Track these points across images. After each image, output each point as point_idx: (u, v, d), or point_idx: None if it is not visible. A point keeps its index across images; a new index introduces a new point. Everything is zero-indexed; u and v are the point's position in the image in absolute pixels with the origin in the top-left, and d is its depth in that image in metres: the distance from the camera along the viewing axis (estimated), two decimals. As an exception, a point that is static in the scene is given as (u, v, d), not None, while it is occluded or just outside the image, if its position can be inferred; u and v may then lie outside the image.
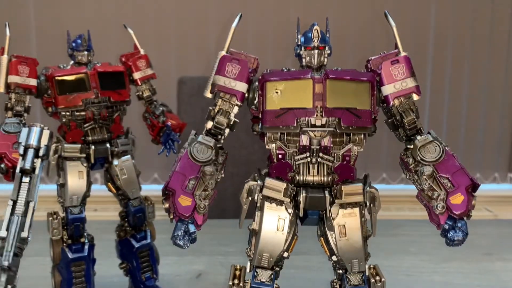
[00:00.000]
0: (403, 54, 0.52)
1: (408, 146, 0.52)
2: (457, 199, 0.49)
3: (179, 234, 0.48)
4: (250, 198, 0.53)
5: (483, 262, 1.00)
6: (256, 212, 0.53)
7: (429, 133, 0.52)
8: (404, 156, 0.52)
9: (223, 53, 0.52)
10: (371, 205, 0.52)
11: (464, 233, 0.49)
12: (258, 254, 0.52)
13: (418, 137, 0.52)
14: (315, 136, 0.51)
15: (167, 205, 0.49)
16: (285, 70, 0.53)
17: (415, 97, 0.52)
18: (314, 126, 0.51)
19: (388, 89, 0.52)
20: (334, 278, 0.55)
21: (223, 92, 0.51)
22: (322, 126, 0.51)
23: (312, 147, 0.51)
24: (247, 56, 0.53)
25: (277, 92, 0.51)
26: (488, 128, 2.08)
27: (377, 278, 0.53)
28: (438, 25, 1.88)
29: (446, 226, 0.49)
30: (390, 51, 0.53)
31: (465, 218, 0.49)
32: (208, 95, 0.52)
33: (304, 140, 0.52)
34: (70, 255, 0.75)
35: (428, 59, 1.97)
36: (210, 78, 0.52)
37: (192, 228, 0.48)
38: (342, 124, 0.50)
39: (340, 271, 0.53)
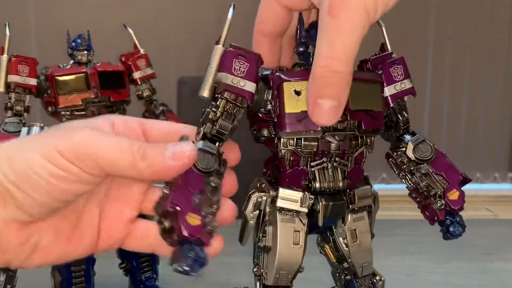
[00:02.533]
0: (395, 55, 0.52)
1: (400, 146, 0.52)
2: (454, 195, 0.50)
3: (188, 260, 0.40)
4: (257, 212, 0.48)
5: (483, 262, 0.99)
6: (267, 227, 0.49)
7: (414, 132, 0.52)
8: (397, 156, 0.52)
9: (220, 47, 0.46)
10: (373, 205, 0.52)
11: (463, 225, 0.50)
12: (275, 272, 0.48)
13: (408, 137, 0.51)
14: (336, 140, 0.48)
15: (167, 224, 0.41)
16: (297, 69, 0.50)
17: (406, 97, 0.52)
18: (336, 129, 0.47)
19: (389, 90, 0.51)
20: (334, 286, 0.54)
21: (229, 93, 0.45)
22: (344, 129, 0.48)
23: (331, 151, 0.48)
24: (250, 52, 0.47)
25: (296, 94, 0.46)
26: (488, 128, 2.08)
27: (377, 278, 0.53)
28: (438, 25, 1.88)
29: (448, 222, 0.50)
30: (377, 51, 0.53)
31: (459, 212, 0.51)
32: (206, 94, 0.45)
33: (322, 144, 0.48)
34: (70, 255, 0.75)
35: (428, 59, 1.96)
36: (207, 76, 0.45)
37: (202, 253, 0.40)
38: (362, 127, 0.48)
39: (348, 277, 0.51)
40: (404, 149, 0.52)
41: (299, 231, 0.49)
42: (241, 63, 0.46)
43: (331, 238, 0.52)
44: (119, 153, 0.39)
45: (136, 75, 0.83)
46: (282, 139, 0.48)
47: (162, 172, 0.41)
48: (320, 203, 0.48)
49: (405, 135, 0.52)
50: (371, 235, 0.52)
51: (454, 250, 1.01)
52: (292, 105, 0.46)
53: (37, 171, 0.38)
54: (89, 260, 0.77)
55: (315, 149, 0.48)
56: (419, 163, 0.51)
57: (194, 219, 0.41)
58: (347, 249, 0.50)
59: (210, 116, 0.46)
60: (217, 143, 0.46)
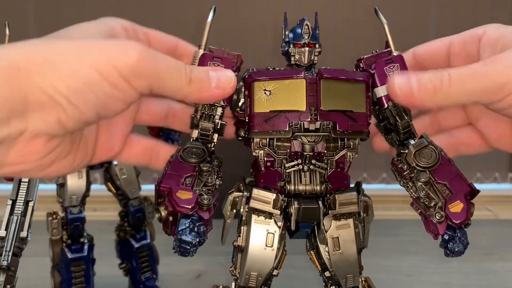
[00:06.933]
0: (395, 53, 0.49)
1: (402, 151, 0.48)
2: (456, 207, 0.45)
3: (184, 228, 0.41)
4: (234, 211, 0.48)
5: (483, 262, 0.99)
6: (242, 227, 0.48)
7: (422, 136, 0.48)
8: (398, 162, 0.48)
9: (201, 51, 0.47)
10: (364, 214, 0.49)
11: (464, 242, 0.45)
12: (245, 273, 0.47)
13: (412, 142, 0.48)
14: (308, 141, 0.47)
15: (163, 213, 0.42)
16: (270, 69, 0.49)
17: None
18: (308, 130, 0.46)
19: (382, 91, 0.48)
20: None
21: None
22: (316, 130, 0.46)
23: (304, 153, 0.47)
24: (229, 53, 0.47)
25: (266, 93, 0.46)
26: (488, 128, 2.08)
27: None
28: (438, 25, 1.88)
29: (446, 237, 0.45)
30: (382, 49, 0.50)
31: (463, 227, 0.46)
32: None
33: (296, 146, 0.47)
34: (69, 255, 0.75)
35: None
36: None
37: (197, 221, 0.42)
38: (337, 129, 0.46)
39: (333, 287, 0.50)
40: (405, 154, 0.48)
41: (273, 233, 0.47)
42: (216, 65, 0.46)
43: (314, 245, 0.49)
44: (169, 75, 0.39)
45: (136, 75, 0.82)
46: (254, 139, 0.47)
47: (206, 99, 0.43)
48: (293, 206, 0.47)
49: (410, 140, 0.48)
50: (361, 246, 0.49)
51: (454, 250, 1.01)
52: (261, 105, 0.46)
53: (94, 89, 0.36)
54: (89, 260, 0.77)
55: (288, 150, 0.47)
56: (420, 171, 0.47)
57: (185, 194, 0.42)
58: (328, 257, 0.48)
59: (194, 121, 0.47)
60: (209, 145, 0.47)
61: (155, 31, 0.48)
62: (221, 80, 0.42)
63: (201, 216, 0.42)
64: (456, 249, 0.45)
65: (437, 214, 0.45)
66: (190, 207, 0.42)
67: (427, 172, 0.47)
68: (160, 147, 0.49)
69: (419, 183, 0.46)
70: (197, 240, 0.41)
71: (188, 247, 0.41)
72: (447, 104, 0.44)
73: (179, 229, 0.41)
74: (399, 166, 0.48)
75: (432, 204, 0.46)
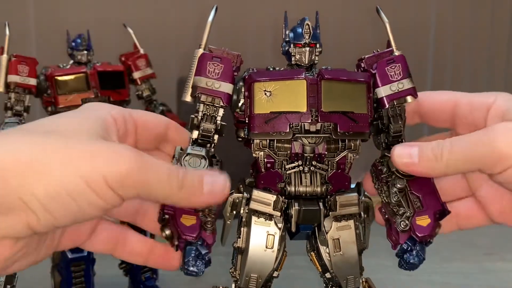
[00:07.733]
0: (397, 53, 0.48)
1: (386, 154, 0.48)
2: (423, 221, 0.45)
3: (190, 259, 0.42)
4: (234, 212, 0.48)
5: (483, 262, 0.99)
6: (242, 228, 0.48)
7: None
8: (379, 164, 0.48)
9: (201, 50, 0.47)
10: (365, 215, 0.49)
11: (421, 257, 0.45)
12: (245, 275, 0.47)
13: None
14: (308, 143, 0.46)
15: (168, 232, 0.42)
16: (271, 69, 0.48)
17: (409, 99, 0.47)
18: (308, 132, 0.46)
19: (384, 91, 0.47)
20: None
21: (205, 95, 0.45)
22: (317, 132, 0.46)
23: (305, 154, 0.47)
24: (229, 53, 0.47)
25: (266, 94, 0.46)
26: (488, 128, 2.08)
27: None
28: (439, 25, 1.88)
29: (405, 246, 0.45)
30: (384, 49, 0.49)
31: (424, 243, 0.46)
32: (188, 99, 0.46)
33: (297, 147, 0.47)
34: (69, 255, 0.75)
35: (428, 59, 1.97)
36: (189, 80, 0.46)
37: (203, 249, 0.42)
38: (338, 130, 0.46)
39: None
40: (388, 158, 0.47)
41: (273, 235, 0.47)
42: (215, 65, 0.46)
43: (315, 246, 0.49)
44: (159, 183, 0.38)
45: (136, 75, 0.83)
46: (254, 140, 0.47)
47: (195, 205, 0.41)
48: (294, 208, 0.47)
49: (396, 146, 0.47)
50: (361, 247, 0.49)
51: (454, 250, 1.01)
52: (261, 106, 0.46)
53: (76, 197, 0.34)
54: (89, 260, 0.77)
55: (288, 152, 0.47)
56: (398, 177, 0.47)
57: (189, 220, 0.42)
58: (329, 258, 0.48)
59: (194, 122, 0.47)
60: (208, 145, 0.47)
61: (145, 115, 0.46)
62: (214, 186, 0.40)
63: (206, 240, 0.43)
64: (411, 261, 0.45)
65: (402, 222, 0.45)
66: (194, 235, 0.42)
67: (405, 180, 0.47)
68: (126, 234, 0.47)
69: (394, 189, 0.47)
70: (203, 270, 0.43)
71: (197, 275, 0.43)
72: (449, 172, 0.44)
73: (186, 259, 0.42)
74: (379, 167, 0.48)
75: (400, 212, 0.46)
